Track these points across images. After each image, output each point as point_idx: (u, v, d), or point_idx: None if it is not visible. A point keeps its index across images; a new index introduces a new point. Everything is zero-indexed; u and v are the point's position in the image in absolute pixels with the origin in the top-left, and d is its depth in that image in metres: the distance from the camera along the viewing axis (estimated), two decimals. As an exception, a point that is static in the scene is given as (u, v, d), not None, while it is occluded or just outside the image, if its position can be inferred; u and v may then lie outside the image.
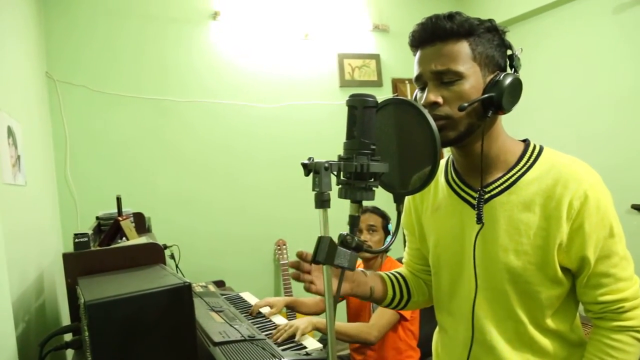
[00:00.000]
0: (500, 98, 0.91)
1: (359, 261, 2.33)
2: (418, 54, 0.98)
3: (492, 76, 0.94)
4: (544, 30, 3.78)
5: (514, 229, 0.96)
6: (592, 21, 3.41)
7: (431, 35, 0.94)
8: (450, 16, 0.93)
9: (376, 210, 2.22)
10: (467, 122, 0.93)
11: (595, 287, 0.95)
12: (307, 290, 1.05)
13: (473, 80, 0.92)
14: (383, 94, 3.83)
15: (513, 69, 0.97)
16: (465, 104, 0.90)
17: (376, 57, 3.89)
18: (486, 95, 0.92)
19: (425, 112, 0.85)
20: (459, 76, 0.92)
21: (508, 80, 0.92)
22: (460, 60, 0.92)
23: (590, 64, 3.45)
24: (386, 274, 1.24)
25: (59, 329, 1.34)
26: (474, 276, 1.01)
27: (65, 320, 2.09)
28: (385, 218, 2.22)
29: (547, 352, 1.00)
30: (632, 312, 0.94)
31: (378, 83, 3.90)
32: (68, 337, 1.38)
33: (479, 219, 0.98)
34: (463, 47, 0.92)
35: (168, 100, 3.23)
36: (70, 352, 2.00)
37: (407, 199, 1.21)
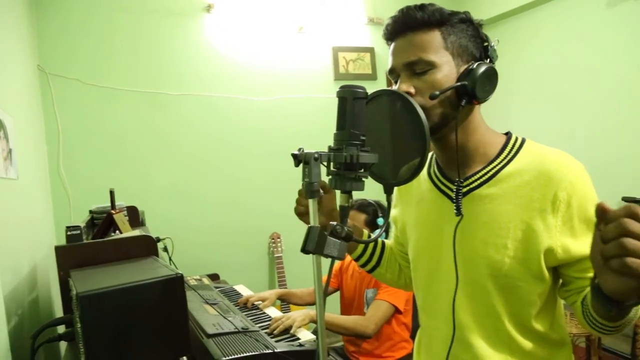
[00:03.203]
0: (474, 87, 0.89)
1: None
2: (391, 46, 0.97)
3: (466, 66, 0.92)
4: (538, 23, 3.78)
5: (493, 222, 0.94)
6: (586, 15, 3.42)
7: (402, 26, 0.93)
8: (422, 6, 0.92)
9: (360, 208, 2.17)
10: (441, 111, 0.91)
11: None
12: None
13: (446, 70, 0.91)
14: (378, 87, 3.81)
15: (489, 60, 0.95)
16: (437, 92, 0.88)
17: (371, 50, 3.89)
18: (459, 84, 0.90)
19: (415, 103, 0.85)
20: (431, 65, 0.90)
21: (482, 69, 0.90)
22: (432, 49, 0.90)
23: (583, 58, 3.46)
24: (370, 234, 1.26)
25: (51, 321, 1.34)
26: (453, 271, 0.99)
27: (59, 313, 2.09)
28: (372, 213, 2.16)
29: (526, 351, 0.97)
30: None
31: (372, 76, 3.90)
32: (61, 330, 1.38)
33: (458, 211, 0.96)
34: (434, 36, 0.91)
35: (162, 93, 3.22)
36: (63, 345, 2.01)
37: (394, 190, 1.21)
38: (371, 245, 1.24)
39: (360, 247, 1.22)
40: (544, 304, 0.97)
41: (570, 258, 0.91)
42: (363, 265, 1.25)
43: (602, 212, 0.66)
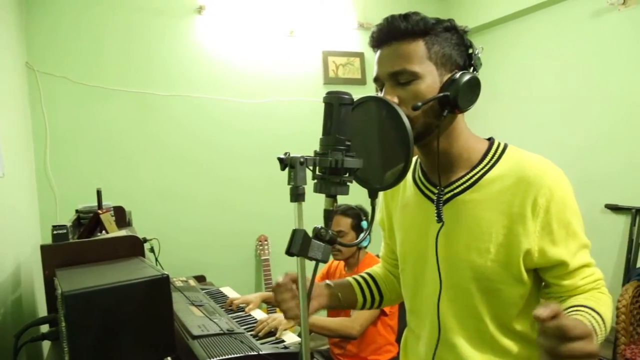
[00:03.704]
0: (456, 97, 0.91)
1: (340, 264, 2.33)
2: (377, 54, 0.98)
3: (449, 75, 0.94)
4: (523, 32, 3.84)
5: (476, 227, 0.96)
6: (570, 25, 3.48)
7: (387, 35, 0.95)
8: (406, 16, 0.93)
9: (346, 212, 2.19)
10: (424, 121, 0.93)
11: (575, 276, 0.95)
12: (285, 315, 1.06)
13: (429, 80, 0.92)
14: (367, 92, 3.85)
15: (472, 68, 0.97)
16: (419, 103, 0.90)
17: (360, 56, 3.92)
18: (441, 94, 0.92)
19: (399, 110, 0.87)
20: (415, 76, 0.92)
21: (464, 79, 0.91)
22: (415, 60, 0.92)
23: (567, 67, 3.52)
24: (354, 279, 1.26)
25: (35, 320, 1.33)
26: (437, 274, 1.02)
27: (42, 313, 2.08)
28: (356, 217, 2.19)
29: (508, 351, 0.99)
30: (604, 288, 0.97)
31: (362, 81, 3.92)
32: (44, 330, 1.38)
33: (439, 218, 0.99)
34: (418, 47, 0.92)
35: (151, 93, 3.21)
36: (45, 345, 2.00)
37: (380, 195, 1.23)
38: (365, 287, 1.25)
39: (360, 299, 1.23)
40: (525, 305, 0.99)
41: (547, 262, 0.94)
42: (372, 306, 1.26)
43: (537, 319, 0.69)
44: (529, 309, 1.00)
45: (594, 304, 0.90)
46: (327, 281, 1.19)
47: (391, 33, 0.94)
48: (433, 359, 1.05)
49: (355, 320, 2.00)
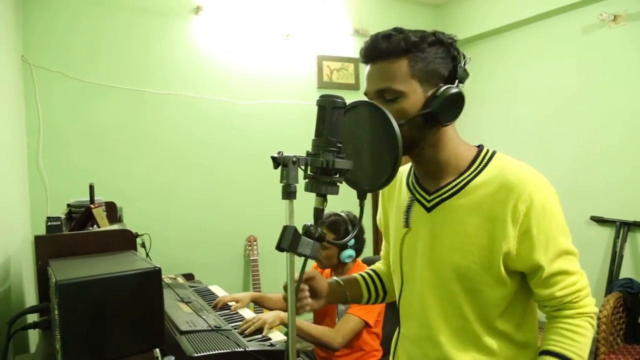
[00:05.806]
0: (438, 113, 0.95)
1: (327, 270, 2.32)
2: (366, 69, 1.03)
3: (433, 90, 0.97)
4: (514, 45, 3.91)
5: (461, 230, 1.00)
6: (561, 39, 3.55)
7: (372, 54, 0.99)
8: (388, 36, 0.97)
9: (331, 226, 2.14)
10: (410, 136, 0.97)
11: (552, 284, 0.98)
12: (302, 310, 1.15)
13: (413, 98, 0.96)
14: (360, 97, 3.89)
15: (457, 81, 1.00)
16: (403, 121, 0.94)
17: (355, 61, 3.97)
18: (422, 112, 0.96)
19: (390, 115, 0.91)
20: (399, 94, 0.96)
21: (446, 95, 0.95)
22: (399, 79, 0.96)
23: (557, 80, 3.59)
24: (361, 275, 1.33)
25: (28, 308, 1.35)
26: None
27: (31, 304, 2.08)
28: (339, 233, 2.12)
29: (492, 350, 1.04)
30: (585, 299, 1.00)
31: (355, 86, 3.97)
32: (31, 321, 1.39)
33: (406, 223, 1.07)
34: (401, 66, 0.96)
35: (146, 91, 3.23)
36: (32, 336, 2.00)
37: (379, 198, 1.29)
38: (371, 284, 1.32)
39: (365, 293, 1.31)
40: (507, 306, 1.03)
41: (525, 266, 0.98)
42: (375, 301, 1.33)
43: None
44: (512, 310, 1.05)
45: (564, 347, 0.97)
46: (336, 278, 1.26)
47: (375, 52, 0.98)
48: (394, 353, 1.12)
49: (338, 332, 1.97)
